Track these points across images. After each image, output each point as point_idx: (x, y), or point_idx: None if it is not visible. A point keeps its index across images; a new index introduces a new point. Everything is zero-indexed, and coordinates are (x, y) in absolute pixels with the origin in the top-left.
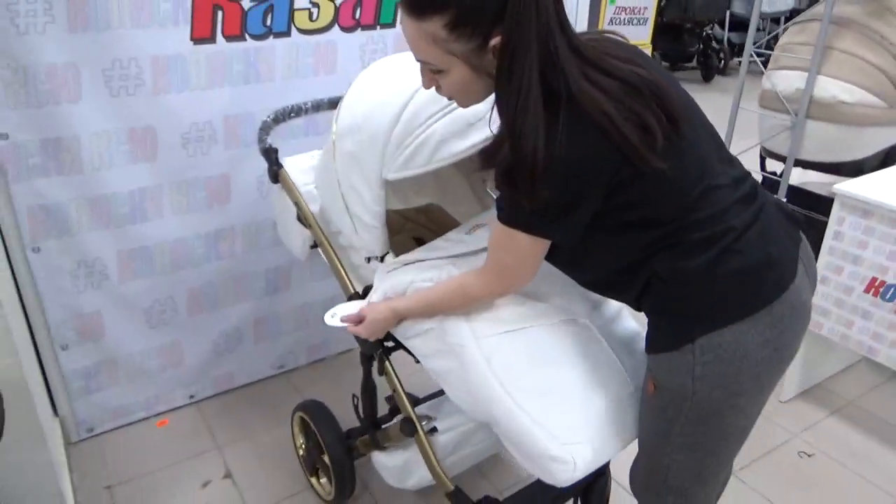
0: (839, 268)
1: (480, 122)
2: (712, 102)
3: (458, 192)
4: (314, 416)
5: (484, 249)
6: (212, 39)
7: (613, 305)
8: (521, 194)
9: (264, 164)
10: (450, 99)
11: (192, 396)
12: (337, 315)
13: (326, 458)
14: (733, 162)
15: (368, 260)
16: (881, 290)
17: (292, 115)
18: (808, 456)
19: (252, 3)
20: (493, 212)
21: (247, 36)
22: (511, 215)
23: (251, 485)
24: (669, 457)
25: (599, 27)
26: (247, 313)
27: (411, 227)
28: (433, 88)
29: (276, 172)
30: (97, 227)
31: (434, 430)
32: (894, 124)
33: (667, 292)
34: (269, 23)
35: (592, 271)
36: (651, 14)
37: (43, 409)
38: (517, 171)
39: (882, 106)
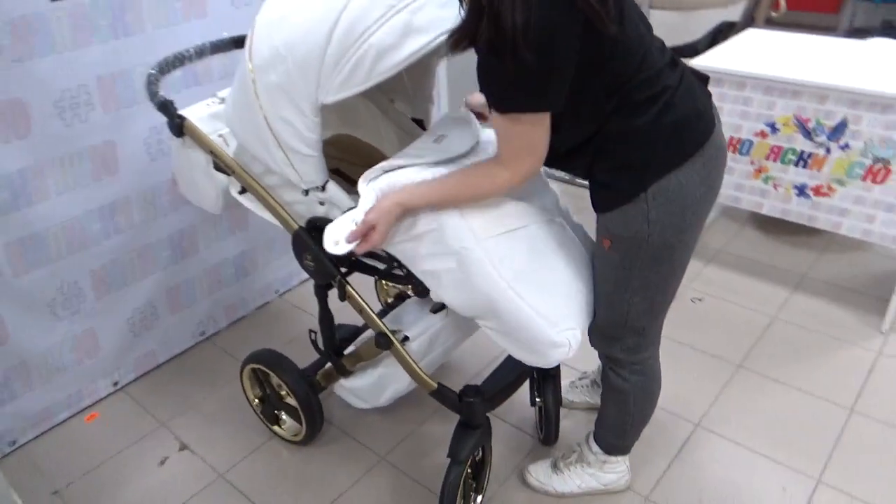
0: None
1: (415, 30)
2: None
3: (363, 116)
4: (269, 363)
5: (461, 156)
6: None
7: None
8: (506, 66)
9: (150, 124)
10: None
11: (116, 384)
12: (340, 240)
13: (290, 401)
14: (652, 33)
15: (306, 192)
16: (738, 146)
17: (176, 64)
18: (699, 300)
19: None
20: (451, 121)
21: None
22: (504, 102)
23: (211, 449)
24: (628, 302)
25: None
26: (157, 285)
27: (326, 160)
28: (362, 2)
29: (180, 125)
30: None
31: (406, 338)
32: (717, 5)
33: (619, 151)
34: None
35: (554, 147)
36: None
37: None
38: (500, 44)
39: None
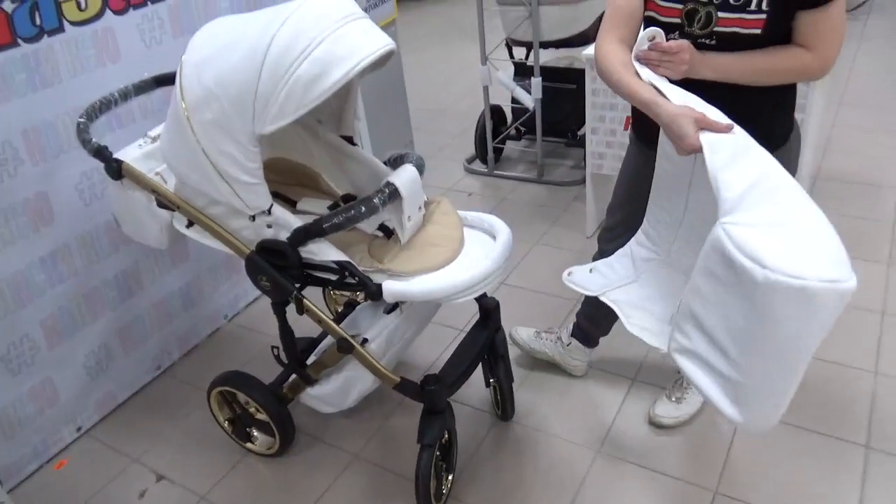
0: (602, 117)
1: (338, 59)
2: (436, 13)
3: (293, 138)
4: (237, 384)
5: None
6: None
7: None
8: None
9: (80, 170)
10: None
11: (79, 429)
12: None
13: (261, 416)
14: None
15: (253, 218)
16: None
17: (103, 109)
18: None
19: (14, 4)
20: None
21: (19, 41)
22: None
23: (188, 475)
24: None
25: None
26: (108, 326)
27: None
28: (285, 38)
29: (118, 168)
30: None
31: (365, 340)
32: None
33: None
34: (38, 22)
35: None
36: None
37: None
38: None
39: None
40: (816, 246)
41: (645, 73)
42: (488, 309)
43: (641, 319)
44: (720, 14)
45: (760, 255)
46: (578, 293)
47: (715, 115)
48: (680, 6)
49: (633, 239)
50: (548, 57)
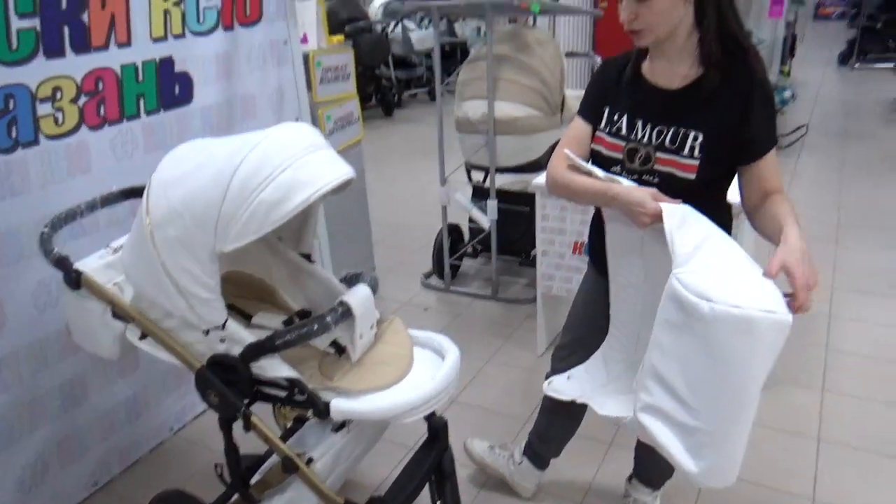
0: (551, 240)
1: (300, 185)
2: (401, 133)
3: (253, 253)
4: None
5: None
6: None
7: None
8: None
9: (38, 279)
10: (637, 30)
11: None
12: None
13: None
14: None
15: (207, 332)
16: (582, 247)
17: (68, 219)
18: None
19: None
20: None
21: None
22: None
23: None
24: None
25: (313, 86)
26: (48, 438)
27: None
28: (252, 163)
29: (77, 279)
30: None
31: (310, 459)
32: (551, 128)
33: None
34: (14, 135)
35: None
36: (352, 69)
37: None
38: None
39: (540, 115)
40: (756, 287)
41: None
42: (437, 428)
43: (612, 407)
44: (658, 154)
45: (707, 291)
46: (529, 412)
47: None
48: (622, 143)
49: (605, 341)
50: (504, 181)
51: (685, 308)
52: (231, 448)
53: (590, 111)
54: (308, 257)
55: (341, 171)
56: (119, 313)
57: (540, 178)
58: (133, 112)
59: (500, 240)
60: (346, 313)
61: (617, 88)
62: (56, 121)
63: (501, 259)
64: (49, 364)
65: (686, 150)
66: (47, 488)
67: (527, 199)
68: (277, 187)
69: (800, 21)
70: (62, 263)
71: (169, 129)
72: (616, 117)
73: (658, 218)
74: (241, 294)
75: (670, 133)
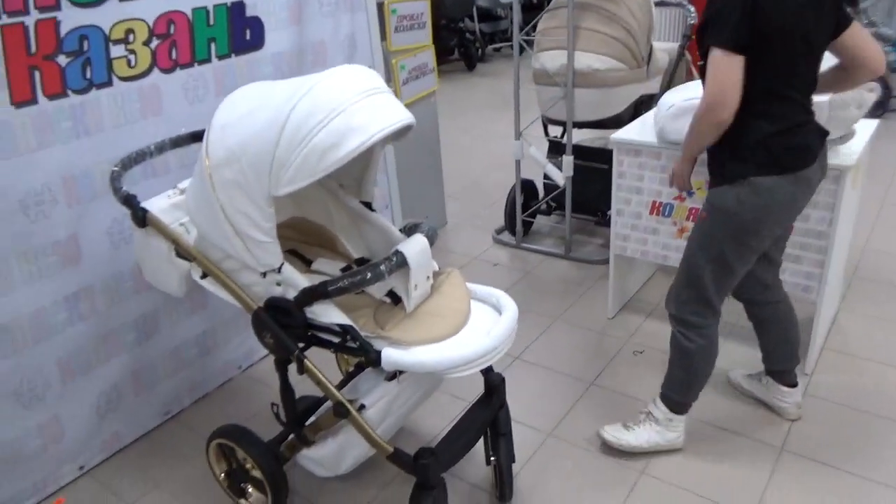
0: (628, 199)
1: (353, 130)
2: (481, 88)
3: (316, 200)
4: (235, 438)
5: None
6: (33, 101)
7: None
8: None
9: (113, 216)
10: None
11: (81, 468)
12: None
13: (255, 473)
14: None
15: (264, 275)
16: (661, 209)
17: (138, 160)
18: (641, 353)
19: (69, 59)
20: None
21: (69, 92)
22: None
23: None
24: (702, 268)
25: (387, 34)
26: (122, 368)
27: (281, 242)
28: (307, 107)
29: (143, 217)
30: None
31: (362, 406)
32: (635, 82)
33: (744, 142)
34: (89, 75)
35: None
36: (427, 18)
37: None
38: None
39: (625, 69)
40: None
41: None
42: (493, 384)
43: None
44: None
45: None
46: (594, 374)
47: None
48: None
49: None
50: (583, 136)
51: None
52: (286, 389)
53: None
54: (369, 205)
55: (398, 116)
56: (182, 253)
57: (619, 134)
58: (204, 56)
59: (575, 198)
60: (400, 263)
61: None
62: (129, 63)
63: (576, 217)
64: (123, 299)
65: None
66: (122, 414)
67: (605, 155)
68: (330, 132)
69: None
70: (129, 202)
71: (240, 73)
72: None
73: None
74: (304, 240)
75: None
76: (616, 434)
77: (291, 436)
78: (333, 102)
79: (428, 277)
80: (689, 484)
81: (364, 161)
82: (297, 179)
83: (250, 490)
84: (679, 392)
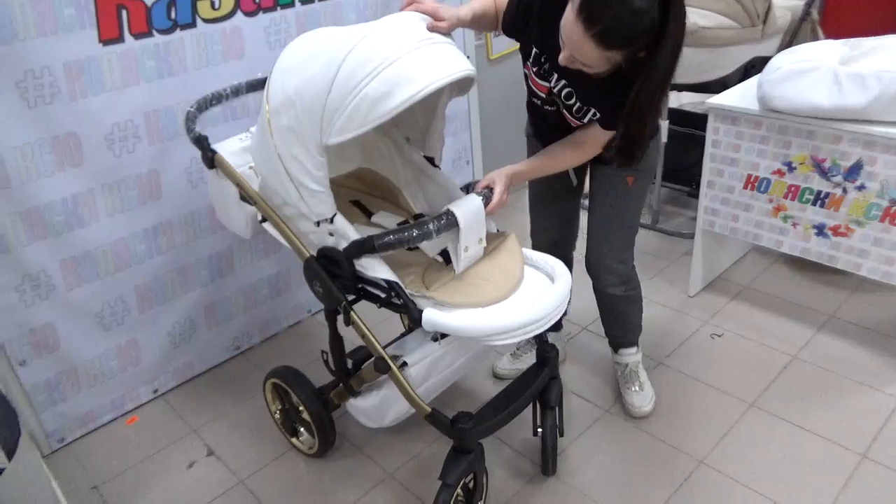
0: (720, 171)
1: (405, 80)
2: None
3: (382, 152)
4: (288, 380)
5: None
6: (120, 39)
7: None
8: None
9: (191, 155)
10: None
11: (155, 391)
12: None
13: (305, 415)
14: None
15: (318, 224)
16: (756, 183)
17: (214, 102)
18: (719, 336)
19: None
20: None
21: (154, 32)
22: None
23: (235, 456)
24: (636, 222)
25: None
26: (197, 302)
27: (346, 192)
28: (360, 55)
29: (211, 158)
30: (35, 238)
31: (404, 364)
32: (748, 42)
33: None
34: (173, 16)
35: None
36: None
37: None
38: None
39: (736, 27)
40: None
41: None
42: (545, 356)
43: None
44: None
45: None
46: (665, 354)
47: None
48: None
49: None
50: (683, 100)
51: None
52: (335, 338)
53: None
54: (432, 161)
55: (455, 68)
56: (244, 196)
57: (715, 98)
58: (288, 0)
59: (667, 165)
60: (450, 223)
61: None
62: (213, 4)
63: (666, 186)
64: (199, 236)
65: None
66: (194, 345)
67: (704, 121)
68: (382, 82)
69: None
70: (200, 142)
71: (323, 19)
72: None
73: None
74: (369, 192)
75: None
76: (647, 403)
77: (340, 385)
78: (387, 51)
79: (480, 240)
80: (748, 480)
81: (429, 114)
82: (348, 129)
83: (301, 430)
84: (636, 331)
